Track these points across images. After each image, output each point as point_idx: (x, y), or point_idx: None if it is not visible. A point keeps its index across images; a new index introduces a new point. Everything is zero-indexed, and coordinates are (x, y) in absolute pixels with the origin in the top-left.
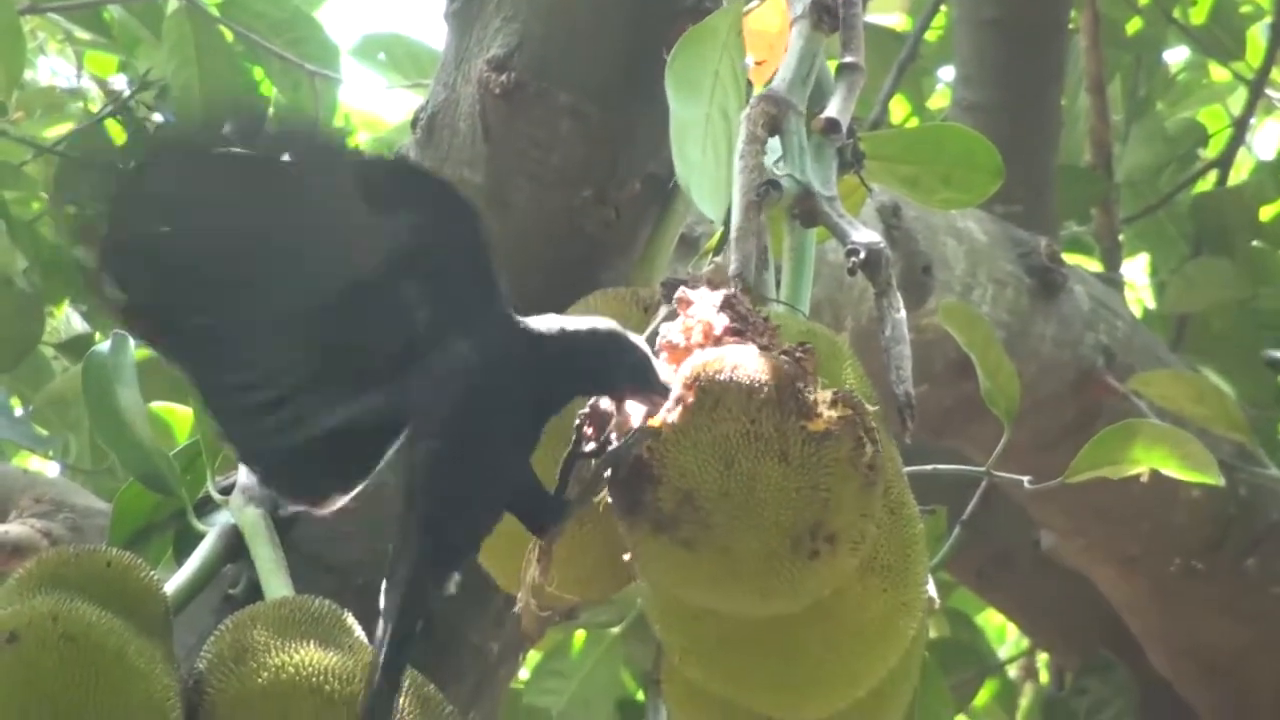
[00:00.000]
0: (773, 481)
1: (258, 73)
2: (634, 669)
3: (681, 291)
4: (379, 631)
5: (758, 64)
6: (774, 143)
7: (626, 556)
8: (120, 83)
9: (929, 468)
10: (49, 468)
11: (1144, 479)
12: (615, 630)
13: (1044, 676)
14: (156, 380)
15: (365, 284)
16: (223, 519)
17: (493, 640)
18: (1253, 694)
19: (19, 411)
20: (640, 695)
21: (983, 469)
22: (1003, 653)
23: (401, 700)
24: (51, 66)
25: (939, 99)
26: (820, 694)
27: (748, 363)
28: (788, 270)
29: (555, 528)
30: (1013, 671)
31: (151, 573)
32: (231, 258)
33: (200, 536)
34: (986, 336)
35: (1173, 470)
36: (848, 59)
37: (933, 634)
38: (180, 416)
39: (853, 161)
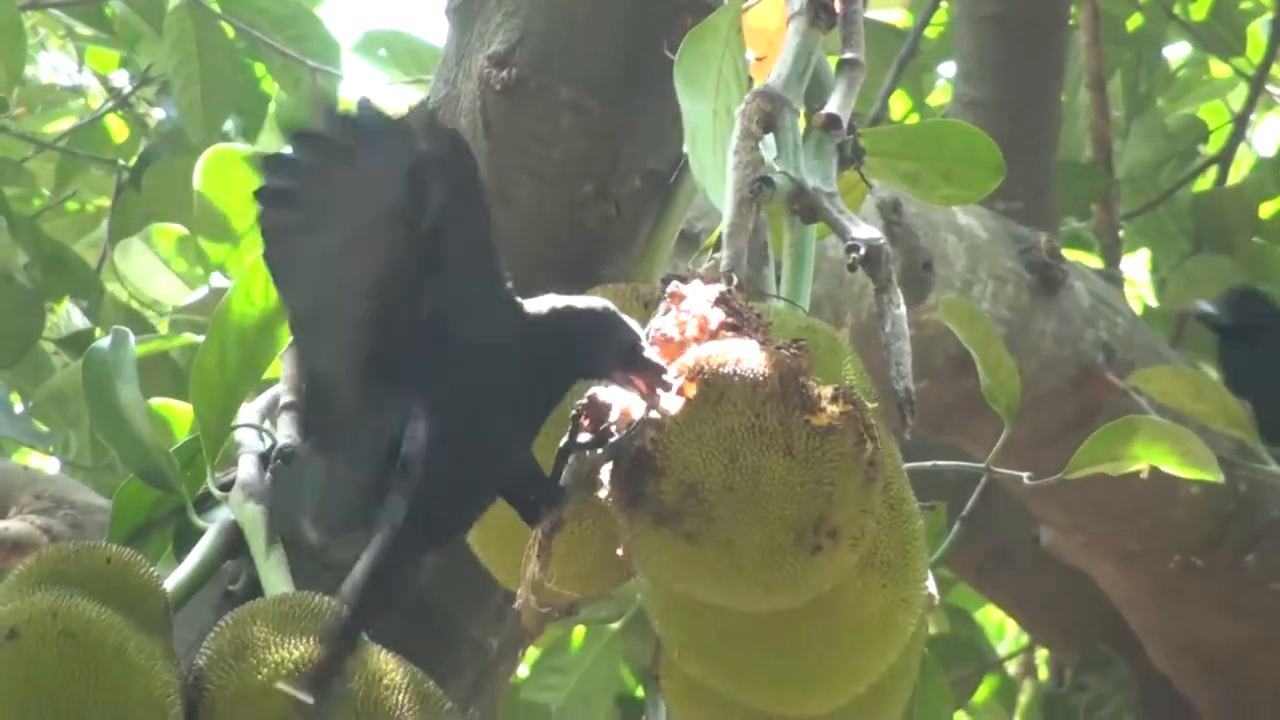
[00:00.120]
0: (777, 475)
1: (259, 69)
2: (633, 665)
3: (674, 285)
4: (343, 587)
5: (758, 60)
6: (771, 139)
7: (621, 550)
8: (121, 79)
9: (929, 464)
10: (49, 464)
11: (1144, 475)
12: (614, 626)
13: (1043, 673)
14: (157, 376)
15: (398, 272)
16: (223, 515)
17: (492, 636)
18: (1252, 690)
19: (19, 408)
20: (639, 691)
21: (983, 465)
22: (1002, 649)
23: (401, 696)
24: (52, 62)
25: (939, 95)
26: (820, 690)
27: (751, 356)
28: (788, 266)
29: (550, 514)
30: (1012, 668)
31: (151, 569)
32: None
33: (200, 533)
34: (987, 333)
35: (1172, 467)
36: (848, 55)
37: (932, 630)
38: (180, 413)
39: (853, 157)
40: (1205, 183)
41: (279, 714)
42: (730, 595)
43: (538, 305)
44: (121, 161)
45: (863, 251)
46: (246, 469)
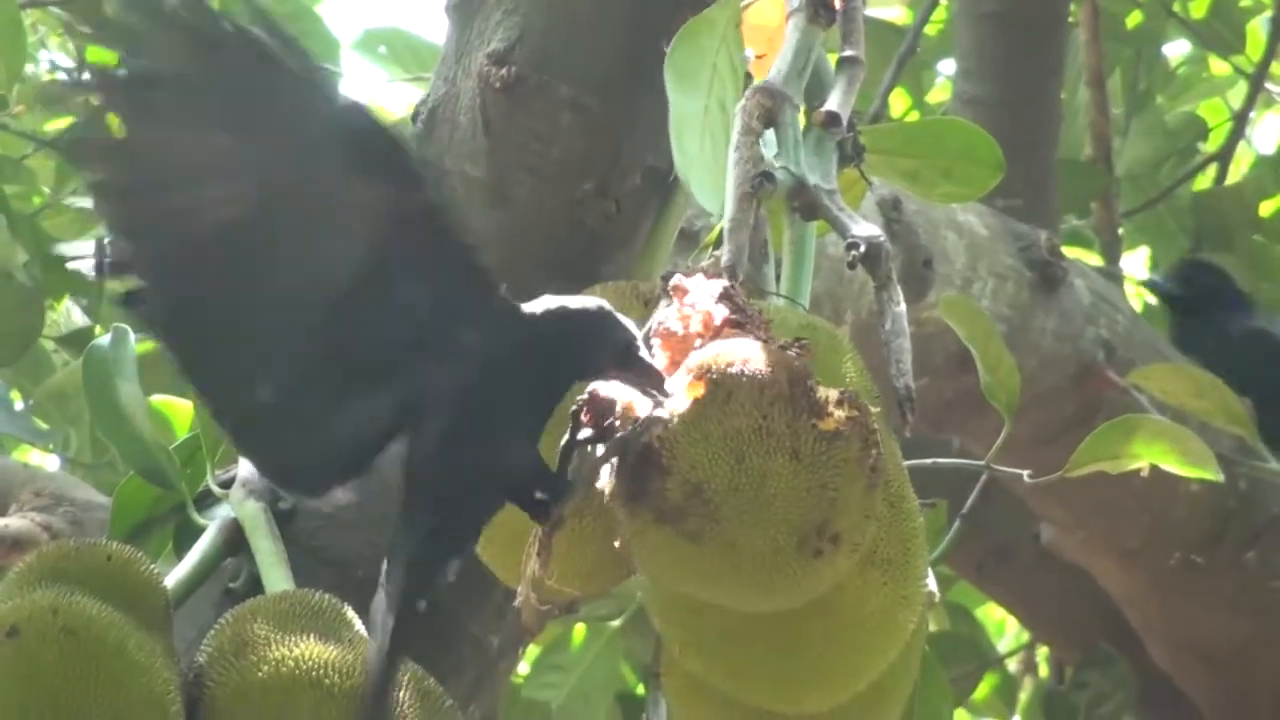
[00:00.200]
0: (783, 478)
1: None
2: (634, 663)
3: (677, 279)
4: (378, 617)
5: (758, 57)
6: (771, 136)
7: (617, 543)
8: None
9: (929, 461)
10: (49, 461)
11: (1144, 474)
12: (615, 624)
13: (1044, 670)
14: (157, 374)
15: (361, 276)
16: (223, 513)
17: (493, 634)
18: (1253, 687)
19: (19, 405)
20: (640, 689)
21: (983, 463)
22: (1003, 646)
23: (401, 693)
24: (52, 60)
25: (939, 93)
26: (820, 687)
27: (759, 357)
28: (788, 263)
29: (555, 510)
30: (1013, 665)
31: (152, 566)
32: (232, 230)
33: (200, 530)
34: (987, 330)
35: (1172, 465)
36: (848, 52)
37: (933, 627)
38: (180, 410)
39: (853, 155)
40: (1205, 180)
41: (279, 711)
42: (728, 595)
43: (534, 306)
44: None
45: (863, 249)
46: (247, 466)
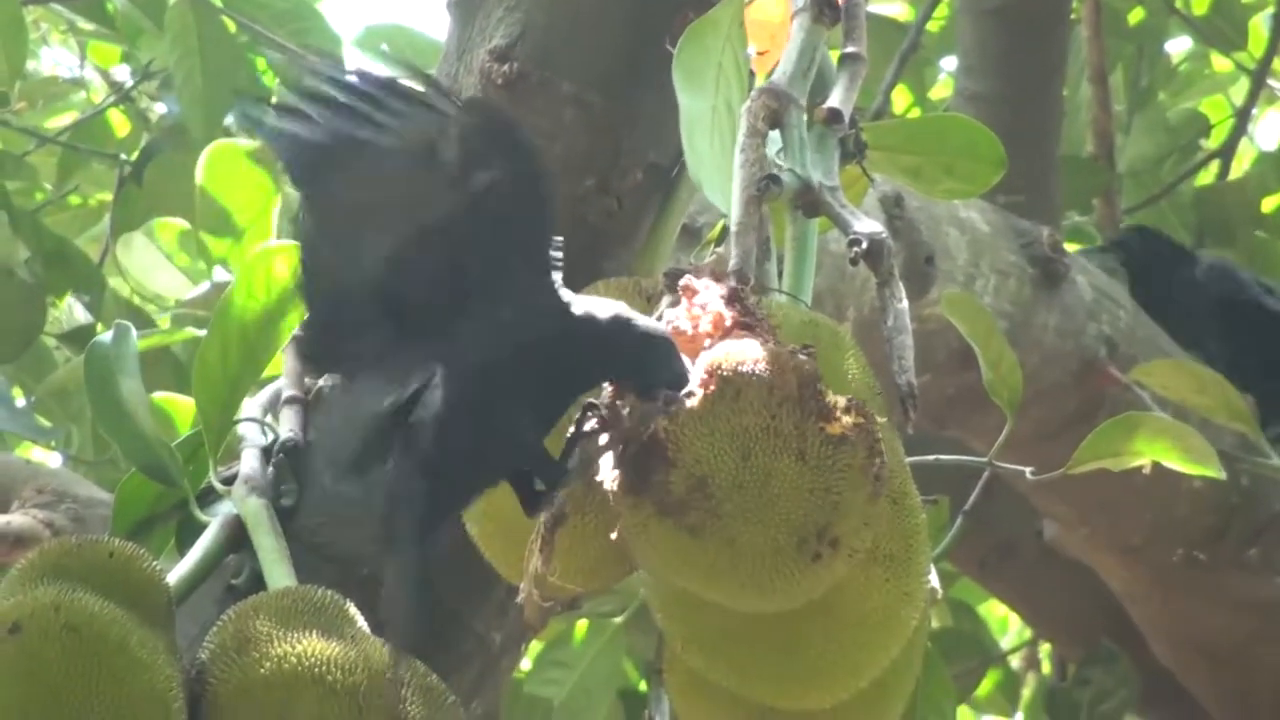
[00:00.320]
0: (788, 479)
1: (260, 63)
2: (636, 659)
3: (686, 279)
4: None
5: (760, 54)
6: (775, 134)
7: (614, 535)
8: (123, 73)
9: (931, 458)
10: (51, 458)
11: (1146, 471)
12: (617, 620)
13: (1046, 667)
14: (159, 371)
15: (430, 233)
16: (225, 509)
17: (495, 630)
18: (1255, 684)
19: (21, 402)
20: (643, 685)
21: (985, 459)
22: (1005, 643)
23: (403, 690)
24: (54, 57)
25: (941, 89)
26: (823, 684)
27: (769, 358)
28: (790, 260)
29: (548, 496)
30: (1015, 662)
31: (154, 563)
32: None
33: (203, 527)
34: (989, 327)
35: (1174, 463)
36: (850, 49)
37: (935, 624)
38: (182, 407)
39: (855, 152)
40: (1207, 177)
41: (281, 708)
42: (725, 592)
43: (595, 307)
44: (123, 156)
45: (865, 246)
46: (249, 463)
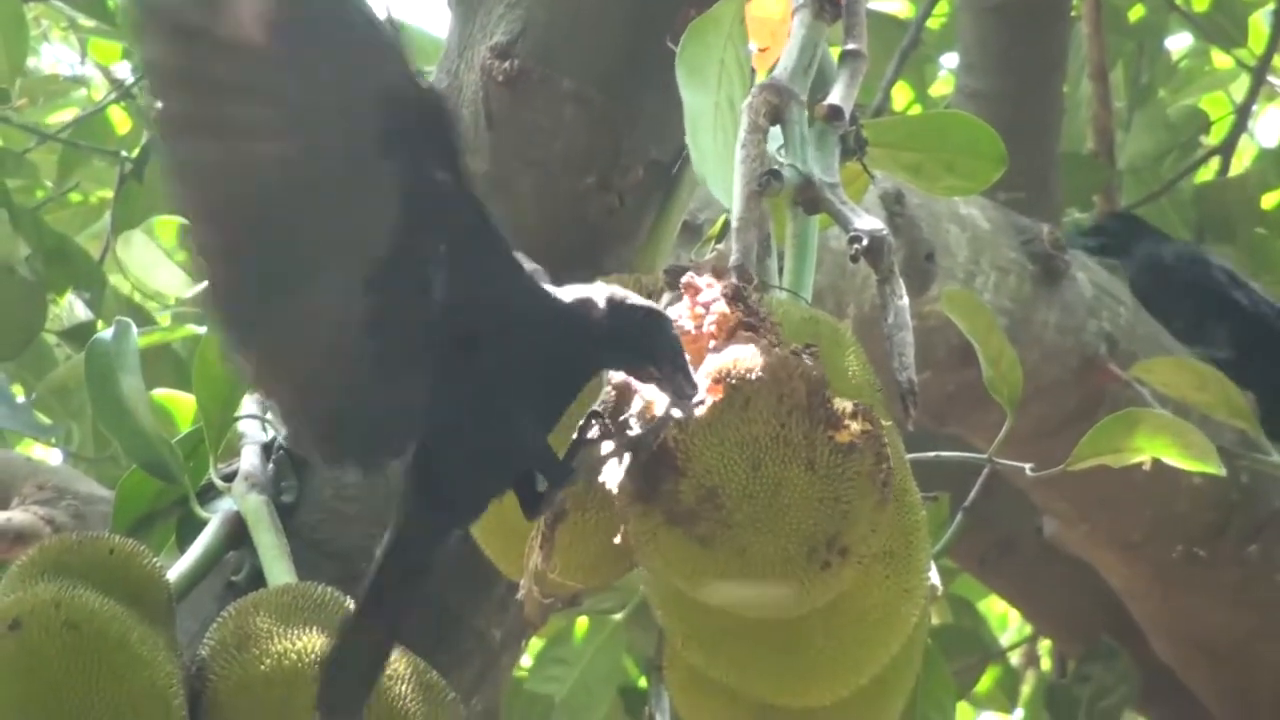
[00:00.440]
0: (798, 488)
1: None
2: (637, 655)
3: (689, 277)
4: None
5: (761, 51)
6: (776, 130)
7: (618, 540)
8: (124, 70)
9: (931, 455)
10: (52, 455)
11: (1146, 467)
12: (618, 617)
13: (1046, 663)
14: (159, 368)
15: (392, 247)
16: (225, 506)
17: (496, 627)
18: (1255, 681)
19: (22, 399)
20: (643, 682)
21: (985, 456)
22: (1005, 639)
23: (403, 687)
24: (55, 54)
25: (942, 86)
26: (823, 681)
27: (778, 366)
28: (790, 257)
29: (551, 496)
30: (1015, 658)
31: (154, 560)
32: (279, 180)
33: (203, 523)
34: (989, 324)
35: (1174, 459)
36: (850, 46)
37: (935, 621)
38: (183, 404)
39: (855, 148)
40: (1207, 173)
41: (281, 704)
42: (732, 601)
43: (581, 293)
44: (124, 153)
45: (865, 243)
46: (249, 460)
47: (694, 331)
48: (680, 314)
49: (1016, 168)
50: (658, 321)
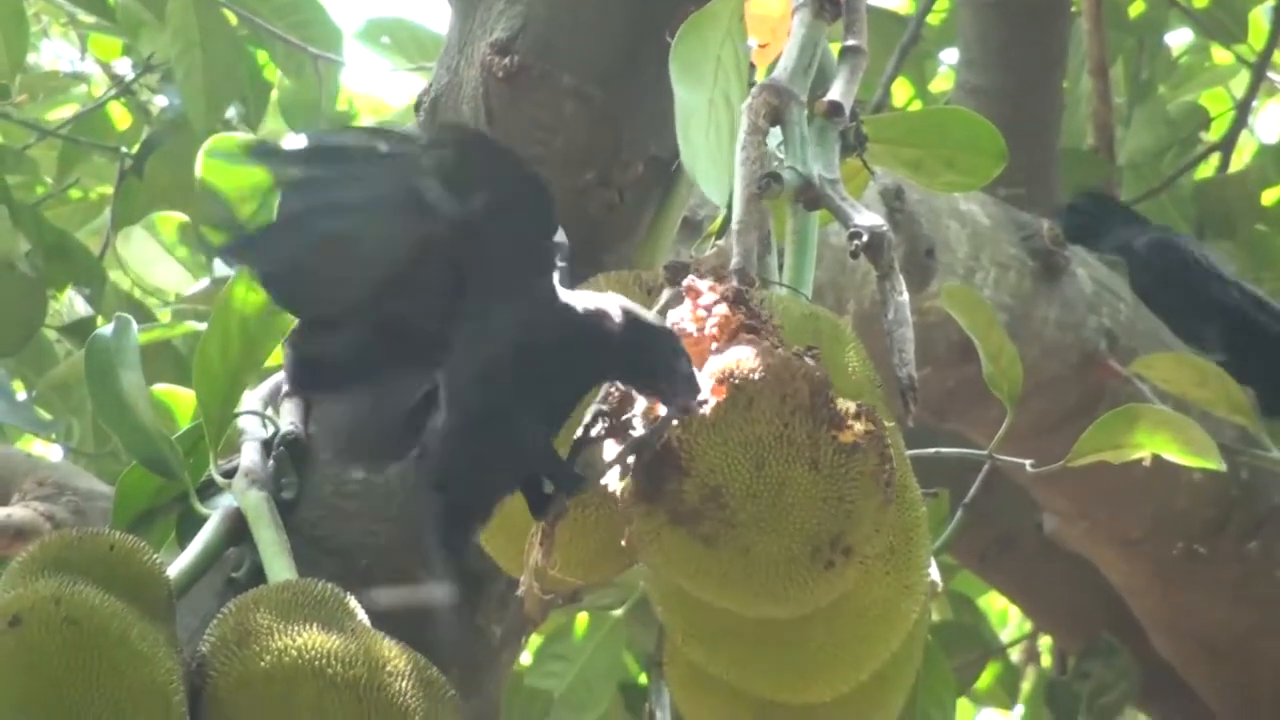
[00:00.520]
0: (802, 488)
1: (261, 56)
2: (636, 651)
3: (690, 279)
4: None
5: (760, 48)
6: (776, 129)
7: (623, 542)
8: (124, 66)
9: (931, 451)
10: (52, 451)
11: (1146, 463)
12: (618, 613)
13: (1046, 660)
14: (159, 364)
15: (422, 251)
16: (225, 502)
17: (496, 623)
18: (1255, 677)
19: (22, 395)
20: (643, 678)
21: (985, 452)
22: (1005, 636)
23: (403, 683)
24: (55, 50)
25: (942, 82)
26: (823, 677)
27: (781, 366)
28: (790, 253)
29: (558, 500)
30: (1015, 655)
31: (154, 556)
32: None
33: (203, 520)
34: (989, 319)
35: (1174, 455)
36: (850, 42)
37: (935, 617)
38: (183, 400)
39: (855, 144)
40: (1207, 169)
41: (281, 700)
42: (737, 600)
43: (595, 303)
44: (124, 149)
45: (865, 238)
46: (249, 456)
47: (696, 334)
48: (682, 316)
49: (1016, 164)
50: (670, 343)
